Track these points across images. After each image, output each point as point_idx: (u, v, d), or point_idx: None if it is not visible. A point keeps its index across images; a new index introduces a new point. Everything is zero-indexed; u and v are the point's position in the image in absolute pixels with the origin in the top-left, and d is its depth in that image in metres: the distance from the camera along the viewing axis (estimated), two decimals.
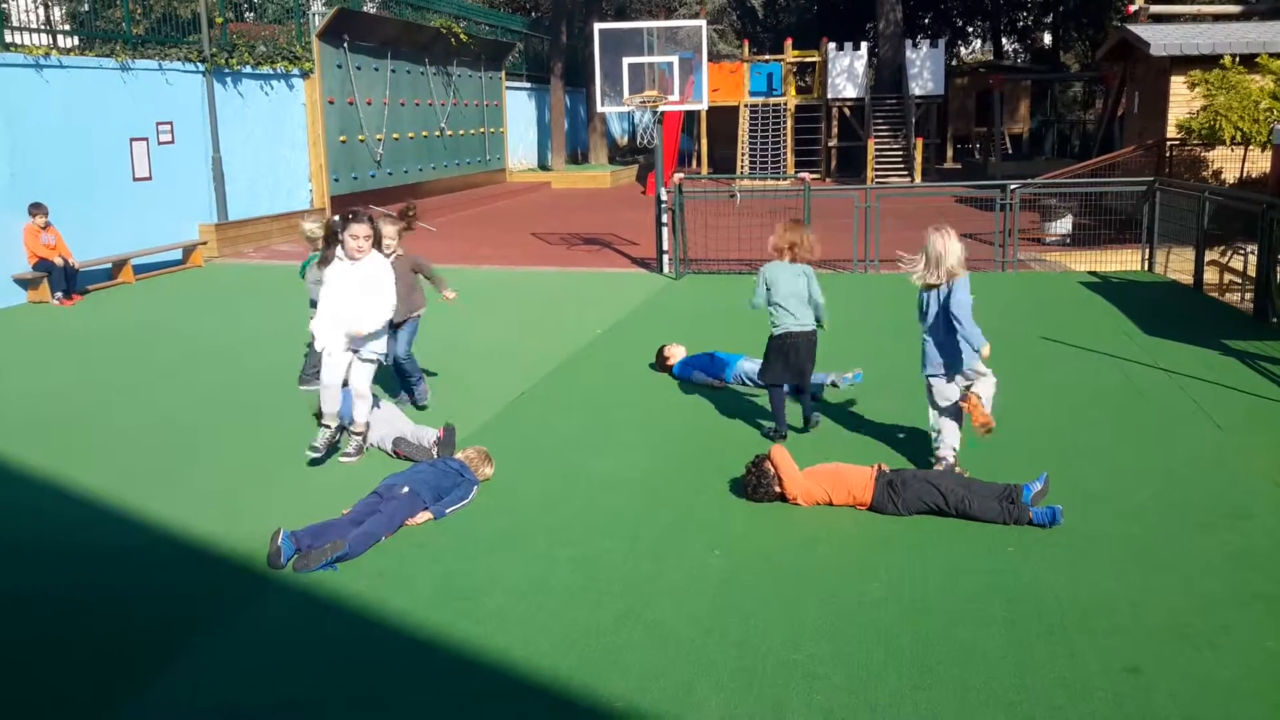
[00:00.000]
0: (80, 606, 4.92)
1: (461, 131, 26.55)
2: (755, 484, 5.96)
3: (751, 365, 8.51)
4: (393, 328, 7.29)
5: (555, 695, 4.12)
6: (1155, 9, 23.60)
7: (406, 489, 5.74)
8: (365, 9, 24.23)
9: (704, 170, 30.39)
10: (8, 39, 13.90)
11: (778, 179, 25.11)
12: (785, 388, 7.15)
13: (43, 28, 15.26)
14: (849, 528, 5.62)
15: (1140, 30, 20.23)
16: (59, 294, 13.15)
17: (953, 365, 6.26)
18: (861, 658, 4.30)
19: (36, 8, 16.13)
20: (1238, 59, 17.60)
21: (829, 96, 30.62)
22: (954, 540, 5.40)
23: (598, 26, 15.45)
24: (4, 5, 14.13)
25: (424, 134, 24.42)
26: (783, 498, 5.90)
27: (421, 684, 4.20)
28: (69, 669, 4.37)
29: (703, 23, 15.93)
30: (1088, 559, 5.14)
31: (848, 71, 30.45)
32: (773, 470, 5.92)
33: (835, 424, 7.48)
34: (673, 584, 5.01)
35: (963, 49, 50.18)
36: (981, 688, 4.07)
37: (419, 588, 5.01)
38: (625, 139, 41.35)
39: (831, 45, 30.44)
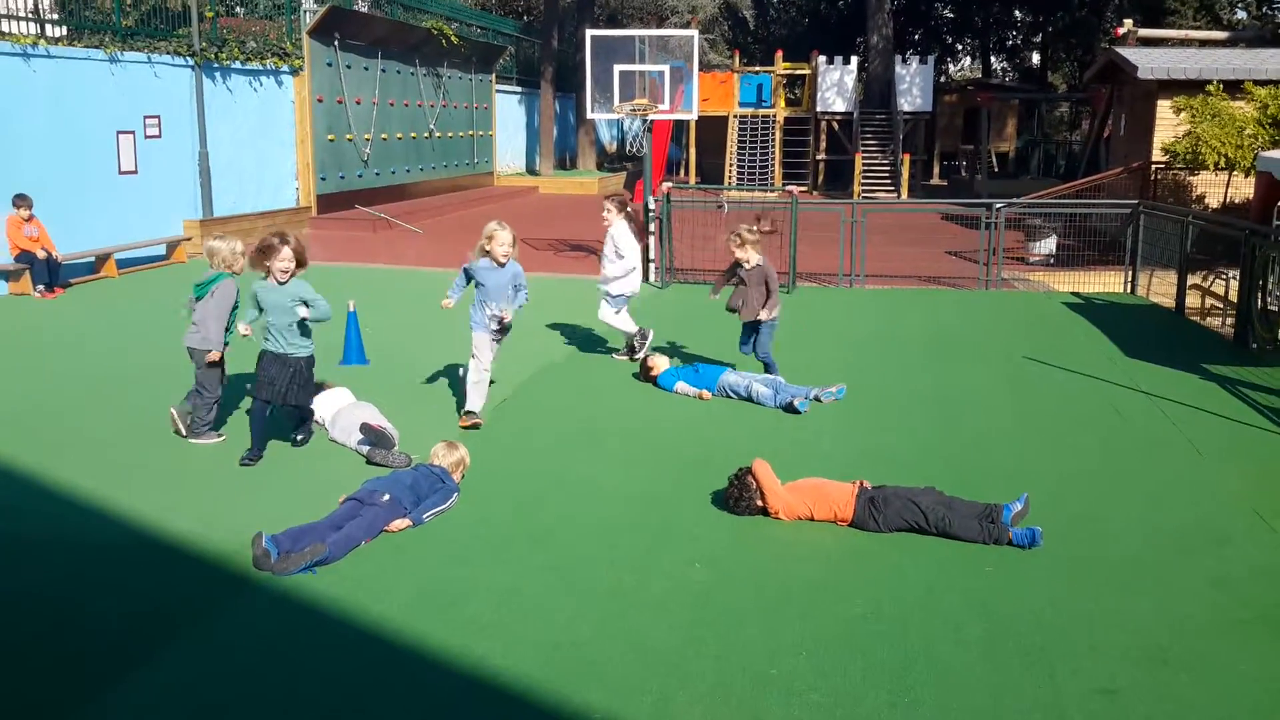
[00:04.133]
0: (56, 604, 4.87)
1: (450, 134, 26.52)
2: (737, 497, 5.96)
3: (736, 377, 8.54)
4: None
5: (533, 704, 4.10)
6: (1144, 33, 23.84)
7: (387, 496, 5.72)
8: (357, 8, 24.16)
9: (692, 180, 30.44)
10: None
11: (765, 190, 25.19)
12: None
13: (31, 16, 15.13)
14: (830, 543, 5.63)
15: (1128, 53, 20.39)
16: (41, 286, 13.04)
17: None
18: (840, 674, 4.30)
19: None
20: (1223, 85, 17.76)
21: (818, 109, 30.74)
22: (934, 558, 5.41)
23: (589, 33, 15.46)
24: None
25: (412, 135, 24.38)
26: (765, 511, 5.90)
27: (399, 691, 4.18)
28: (45, 667, 4.33)
29: (694, 32, 15.98)
30: (1067, 581, 5.16)
31: (837, 85, 30.58)
32: (755, 484, 5.93)
33: (817, 439, 7.49)
34: (653, 596, 5.00)
35: (952, 66, 50.51)
36: (959, 707, 4.07)
37: (398, 594, 4.98)
38: (614, 146, 41.40)
39: (822, 58, 30.58)
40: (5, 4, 14.36)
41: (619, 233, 9.62)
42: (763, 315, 8.68)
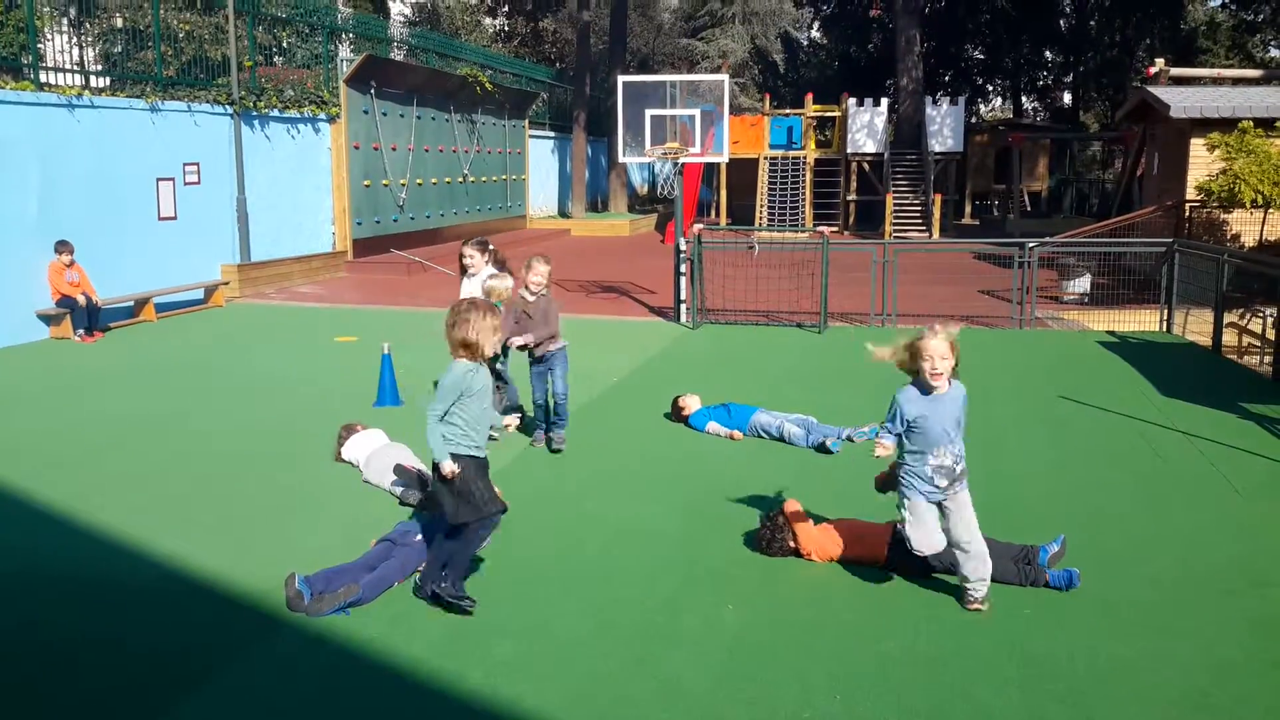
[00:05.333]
0: (87, 644, 4.91)
1: (484, 178, 26.81)
2: (770, 538, 5.94)
3: (768, 418, 8.52)
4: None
5: None
6: (1176, 71, 23.78)
7: (420, 537, 5.74)
8: (393, 56, 24.59)
9: (723, 221, 30.56)
10: (42, 79, 14.16)
11: (796, 231, 25.23)
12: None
13: (75, 68, 15.51)
14: (863, 585, 5.58)
15: (1160, 92, 20.34)
16: (81, 330, 13.26)
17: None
18: (874, 717, 4.26)
19: (70, 48, 16.40)
20: (1255, 123, 17.67)
21: (848, 151, 30.82)
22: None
23: (621, 79, 15.62)
24: (39, 46, 14.40)
25: (447, 180, 24.66)
26: (797, 553, 5.87)
27: None
28: (74, 707, 4.36)
29: (725, 77, 16.10)
30: (1105, 623, 5.09)
31: (868, 127, 30.66)
32: (787, 525, 5.90)
33: (850, 479, 7.45)
34: (685, 637, 4.98)
35: (982, 106, 50.56)
36: None
37: (431, 634, 4.99)
38: (645, 188, 41.67)
39: (852, 100, 30.70)
40: (52, 58, 14.73)
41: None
42: (552, 346, 8.12)
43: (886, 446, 5.29)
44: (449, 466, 5.12)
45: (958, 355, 5.20)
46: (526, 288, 8.01)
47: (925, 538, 5.22)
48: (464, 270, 9.11)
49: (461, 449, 5.18)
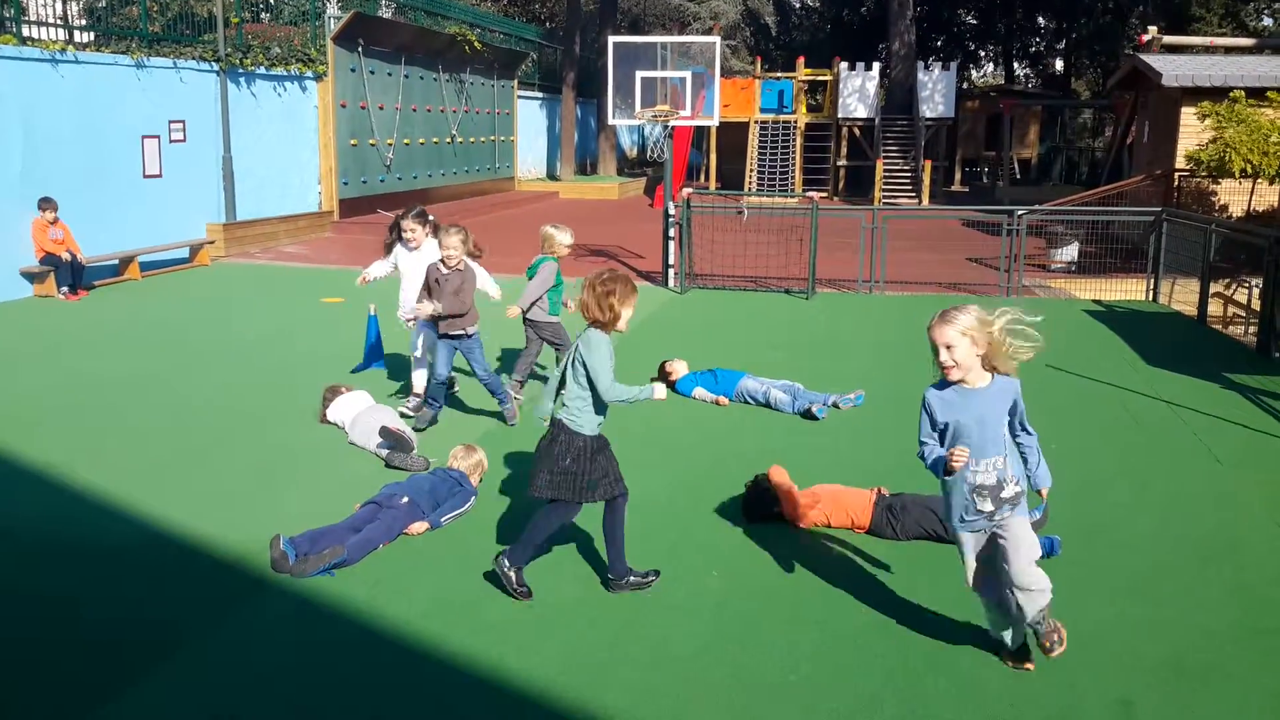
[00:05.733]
0: (71, 606, 4.92)
1: (472, 139, 26.62)
2: (754, 503, 5.97)
3: (755, 383, 8.53)
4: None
5: (550, 709, 4.12)
6: (1168, 40, 23.68)
7: (406, 499, 5.75)
8: (381, 14, 24.31)
9: (712, 185, 30.44)
10: (25, 33, 13.97)
11: (786, 196, 25.17)
12: None
13: (59, 22, 15.30)
14: (847, 551, 5.62)
15: (1152, 60, 20.28)
16: (65, 289, 13.17)
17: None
18: (857, 683, 4.30)
19: (53, 2, 16.18)
20: (1247, 93, 17.63)
21: (839, 115, 30.68)
22: (952, 567, 5.36)
23: (611, 39, 15.50)
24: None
25: (434, 140, 24.48)
26: (782, 518, 5.90)
27: (416, 693, 4.20)
28: (59, 669, 4.37)
29: (717, 39, 15.99)
30: (1086, 590, 5.14)
31: (859, 91, 30.52)
32: (772, 490, 5.93)
33: (835, 446, 7.49)
34: (671, 602, 5.01)
35: (974, 72, 50.31)
36: (978, 716, 4.06)
37: (415, 597, 5.01)
38: (635, 151, 41.44)
39: (844, 65, 30.52)
40: (34, 11, 14.53)
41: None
42: (467, 328, 7.57)
43: (963, 452, 4.07)
44: (660, 390, 5.05)
45: (992, 341, 4.14)
46: (442, 260, 7.52)
47: (969, 577, 4.39)
48: (403, 242, 8.34)
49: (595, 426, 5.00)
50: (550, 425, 5.01)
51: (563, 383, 5.04)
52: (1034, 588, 4.17)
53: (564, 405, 4.97)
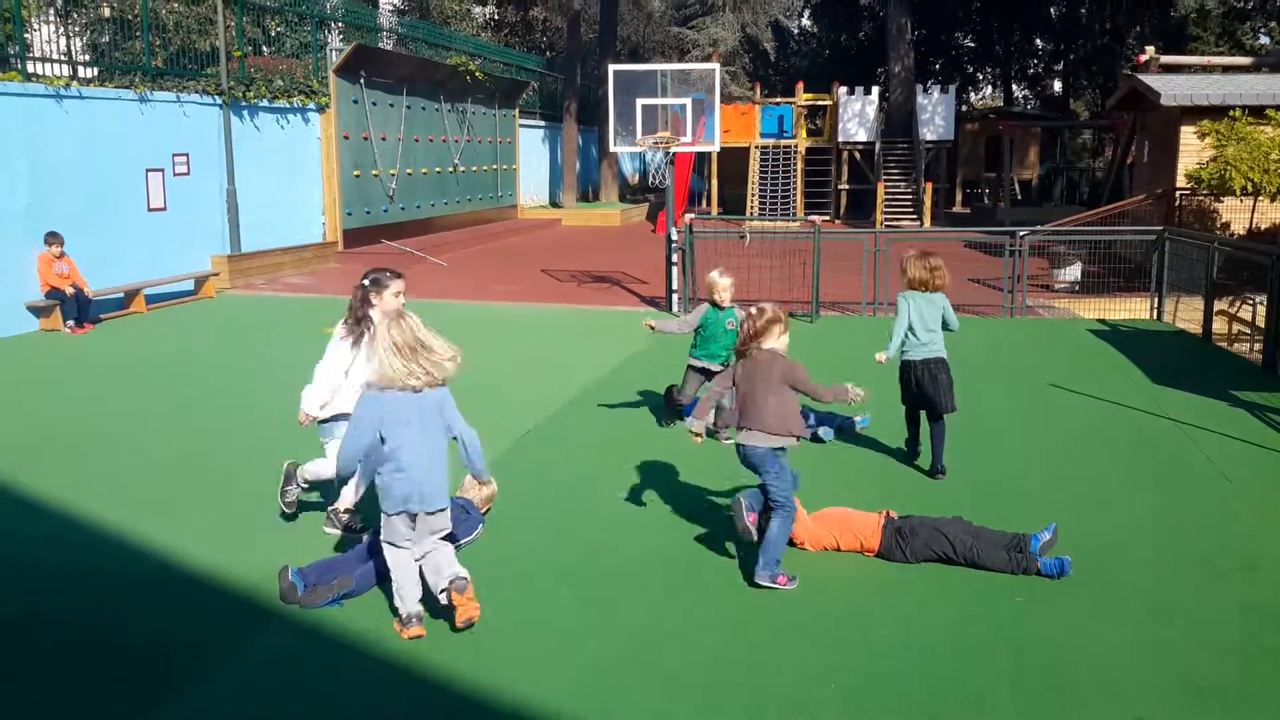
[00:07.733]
0: (81, 635, 4.91)
1: (474, 168, 26.74)
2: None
3: None
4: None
5: None
6: (1166, 59, 23.78)
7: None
8: (382, 46, 24.48)
9: (714, 210, 30.52)
10: (29, 70, 14.08)
11: (788, 220, 25.22)
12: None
13: (63, 58, 15.42)
14: (856, 574, 5.60)
15: (1151, 80, 20.35)
16: (70, 322, 13.20)
17: None
18: (868, 706, 4.28)
19: (57, 39, 16.31)
20: (1246, 110, 17.69)
21: (839, 140, 30.79)
22: (962, 589, 5.37)
23: (612, 68, 15.59)
24: (26, 36, 14.32)
25: (437, 170, 24.59)
26: (790, 542, 5.88)
27: None
28: (68, 699, 4.36)
29: (716, 65, 16.10)
30: (1097, 610, 5.12)
31: (859, 115, 30.64)
32: None
33: (843, 468, 7.47)
34: (681, 626, 4.99)
35: (973, 95, 50.51)
36: None
37: (424, 626, 4.99)
38: (636, 178, 41.57)
39: (843, 89, 30.65)
40: (39, 48, 14.65)
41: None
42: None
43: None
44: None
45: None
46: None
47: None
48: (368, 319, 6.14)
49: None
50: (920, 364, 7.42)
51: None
52: None
53: (923, 345, 7.51)
